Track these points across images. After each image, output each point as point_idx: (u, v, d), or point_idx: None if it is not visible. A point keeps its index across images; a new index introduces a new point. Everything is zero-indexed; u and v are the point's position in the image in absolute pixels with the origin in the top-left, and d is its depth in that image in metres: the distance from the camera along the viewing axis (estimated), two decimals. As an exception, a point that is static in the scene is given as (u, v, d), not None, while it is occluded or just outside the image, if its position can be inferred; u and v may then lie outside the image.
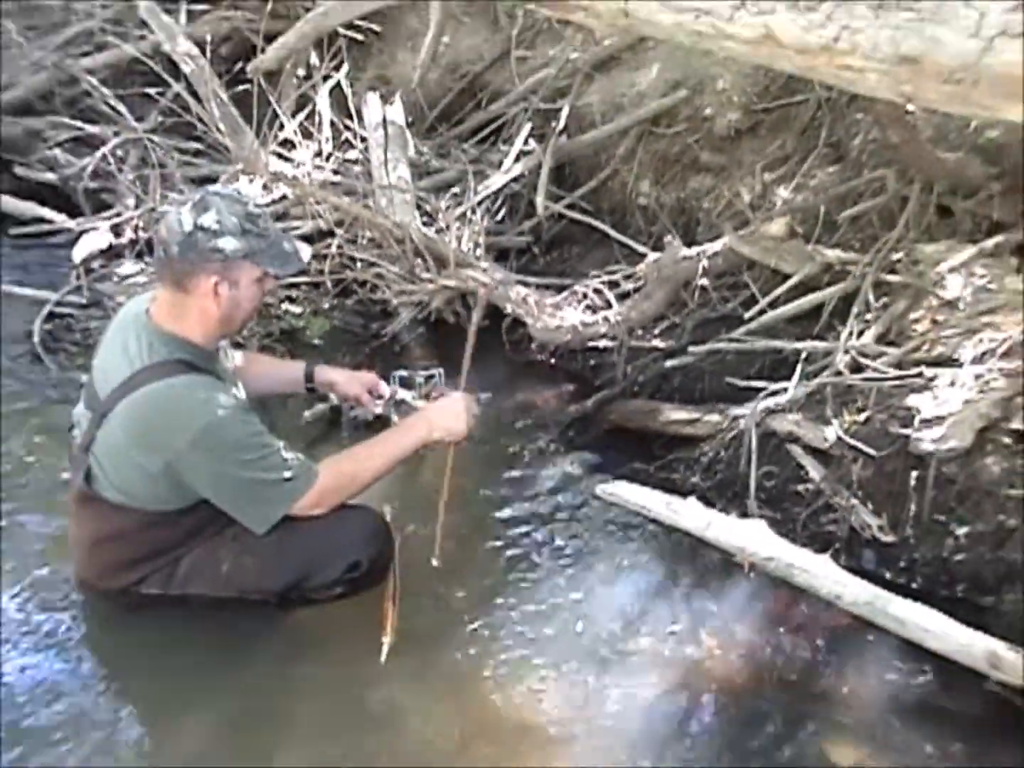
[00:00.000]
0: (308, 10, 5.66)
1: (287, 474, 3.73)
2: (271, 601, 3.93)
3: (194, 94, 6.84)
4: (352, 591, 3.92)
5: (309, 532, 3.84)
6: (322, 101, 6.87)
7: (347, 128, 6.74)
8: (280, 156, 6.54)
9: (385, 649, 3.72)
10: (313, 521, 3.83)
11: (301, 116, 6.87)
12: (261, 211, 3.83)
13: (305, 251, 3.94)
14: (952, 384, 4.14)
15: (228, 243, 3.66)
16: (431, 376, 4.74)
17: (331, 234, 5.93)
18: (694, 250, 5.18)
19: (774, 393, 4.53)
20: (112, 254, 6.36)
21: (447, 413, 3.97)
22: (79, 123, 7.51)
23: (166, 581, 3.89)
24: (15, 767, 3.33)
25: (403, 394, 4.69)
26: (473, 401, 4.05)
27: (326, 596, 3.93)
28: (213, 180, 6.66)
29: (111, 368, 3.75)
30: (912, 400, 4.18)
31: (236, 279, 3.71)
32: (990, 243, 4.64)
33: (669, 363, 5.11)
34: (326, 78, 7.00)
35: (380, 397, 4.53)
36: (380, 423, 4.80)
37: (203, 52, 6.92)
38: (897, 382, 4.28)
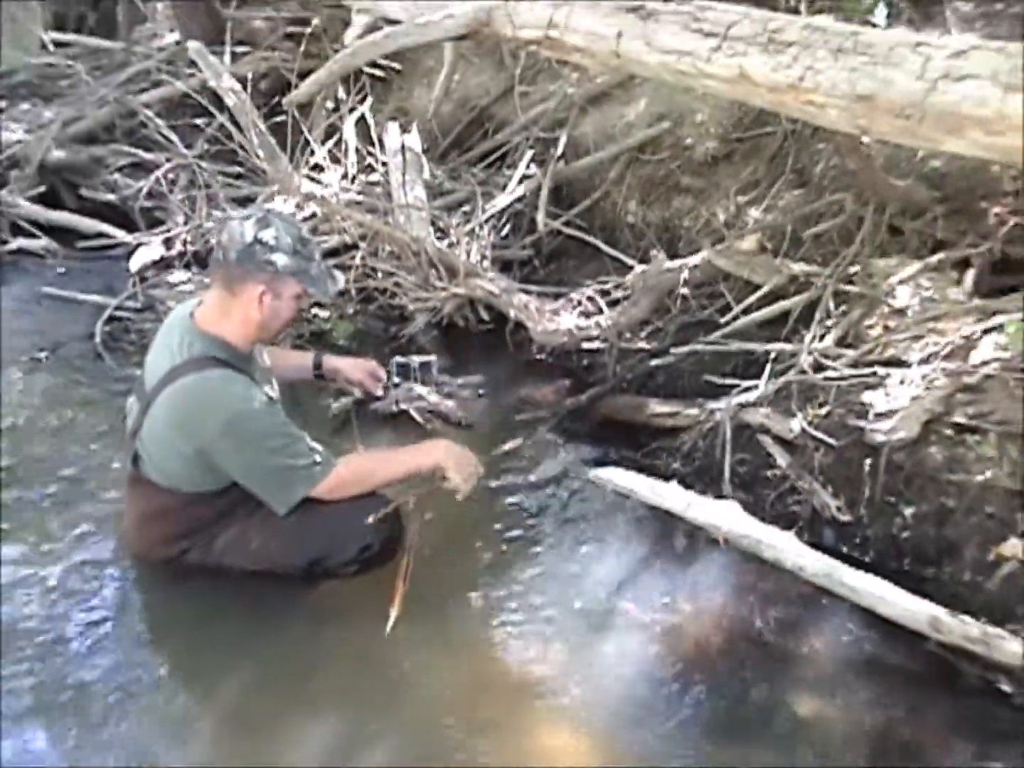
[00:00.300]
0: (337, 51, 5.65)
1: (307, 462, 3.75)
2: (296, 576, 3.93)
3: (236, 124, 6.84)
4: (365, 569, 3.93)
5: (327, 517, 3.86)
6: (348, 130, 6.87)
7: (370, 154, 6.75)
8: (311, 178, 6.54)
9: (391, 622, 3.71)
10: (331, 507, 3.86)
11: (330, 143, 6.87)
12: (311, 238, 3.90)
13: (340, 280, 4.01)
14: (901, 382, 4.14)
15: (280, 259, 3.74)
16: (426, 363, 4.81)
17: (355, 247, 5.94)
18: (676, 263, 5.18)
19: (746, 389, 4.53)
20: (164, 264, 6.38)
21: (464, 459, 3.98)
22: (136, 150, 7.53)
23: (204, 555, 3.92)
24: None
25: (419, 389, 4.74)
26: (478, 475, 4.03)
27: (343, 573, 3.93)
28: (252, 200, 6.67)
29: (156, 364, 3.83)
30: (866, 396, 4.19)
31: (280, 292, 3.79)
32: (934, 259, 4.64)
33: (654, 362, 5.10)
34: (352, 110, 6.99)
35: (379, 380, 4.61)
36: (399, 416, 4.83)
37: (244, 88, 6.92)
38: (854, 380, 4.27)
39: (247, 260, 3.73)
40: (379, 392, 4.66)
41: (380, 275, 5.83)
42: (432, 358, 4.97)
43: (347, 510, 3.88)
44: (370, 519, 3.82)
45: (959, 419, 3.98)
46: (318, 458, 3.79)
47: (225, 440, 3.68)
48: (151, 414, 3.78)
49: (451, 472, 3.93)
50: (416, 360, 4.92)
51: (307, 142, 6.73)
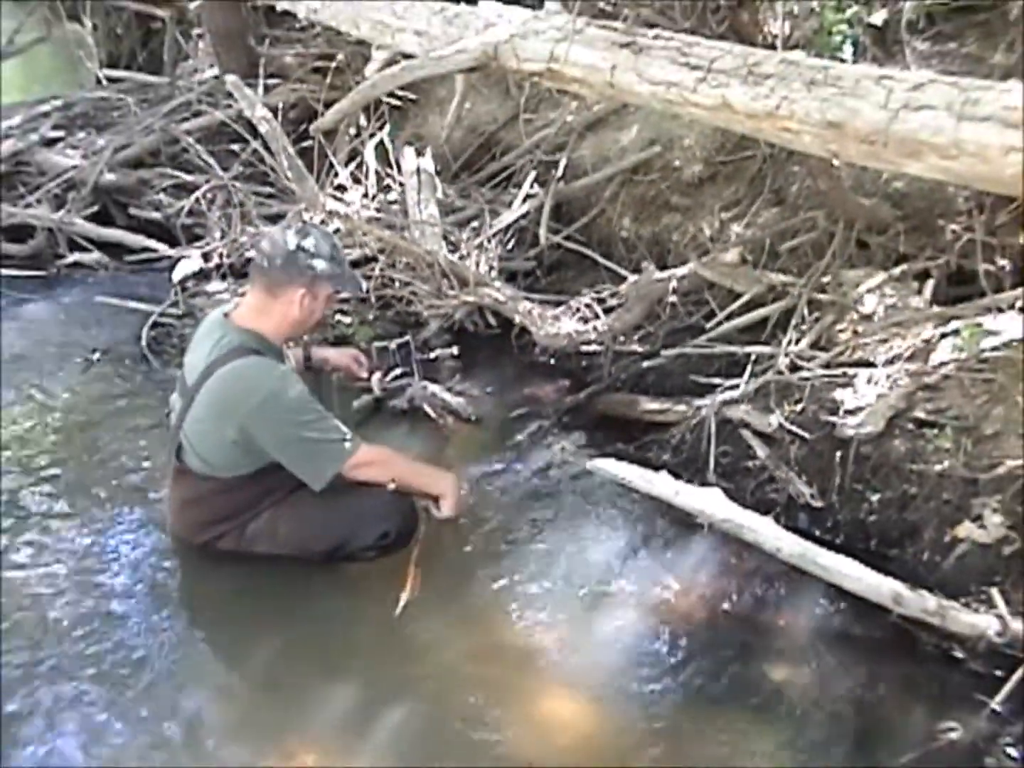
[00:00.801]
0: (359, 83, 5.67)
1: (338, 436, 3.80)
2: (319, 560, 3.97)
3: (268, 149, 6.86)
4: (383, 554, 3.96)
5: (348, 507, 3.94)
6: (368, 154, 6.87)
7: (388, 175, 6.76)
8: (335, 197, 6.55)
9: (401, 604, 3.74)
10: (352, 497, 3.93)
11: (352, 166, 6.88)
12: (341, 246, 4.06)
13: (363, 283, 4.21)
14: (868, 381, 4.16)
15: (320, 264, 3.86)
16: (404, 343, 5.07)
17: (375, 259, 5.94)
18: (665, 273, 5.19)
19: (729, 388, 4.54)
20: (203, 276, 6.40)
21: (460, 498, 4.11)
22: (178, 173, 7.52)
23: (237, 539, 3.95)
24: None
25: (432, 387, 4.77)
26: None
27: (363, 558, 3.96)
28: (282, 217, 6.68)
29: (196, 361, 3.89)
30: (837, 394, 4.20)
31: (317, 293, 3.90)
32: (897, 270, 4.64)
33: (645, 364, 5.11)
34: (372, 135, 7.00)
35: (362, 365, 4.63)
36: (414, 412, 4.91)
37: (276, 116, 6.94)
38: (826, 380, 4.28)
39: (290, 265, 3.83)
40: (363, 375, 4.66)
41: (397, 284, 5.84)
42: (407, 339, 5.19)
43: (365, 499, 3.95)
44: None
45: (920, 415, 3.99)
46: (347, 435, 3.83)
47: (263, 417, 3.74)
48: (194, 406, 3.83)
49: (446, 504, 4.03)
50: (394, 343, 5.10)
51: (331, 165, 6.75)
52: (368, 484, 3.93)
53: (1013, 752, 3.07)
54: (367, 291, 5.57)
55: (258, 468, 3.87)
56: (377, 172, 6.80)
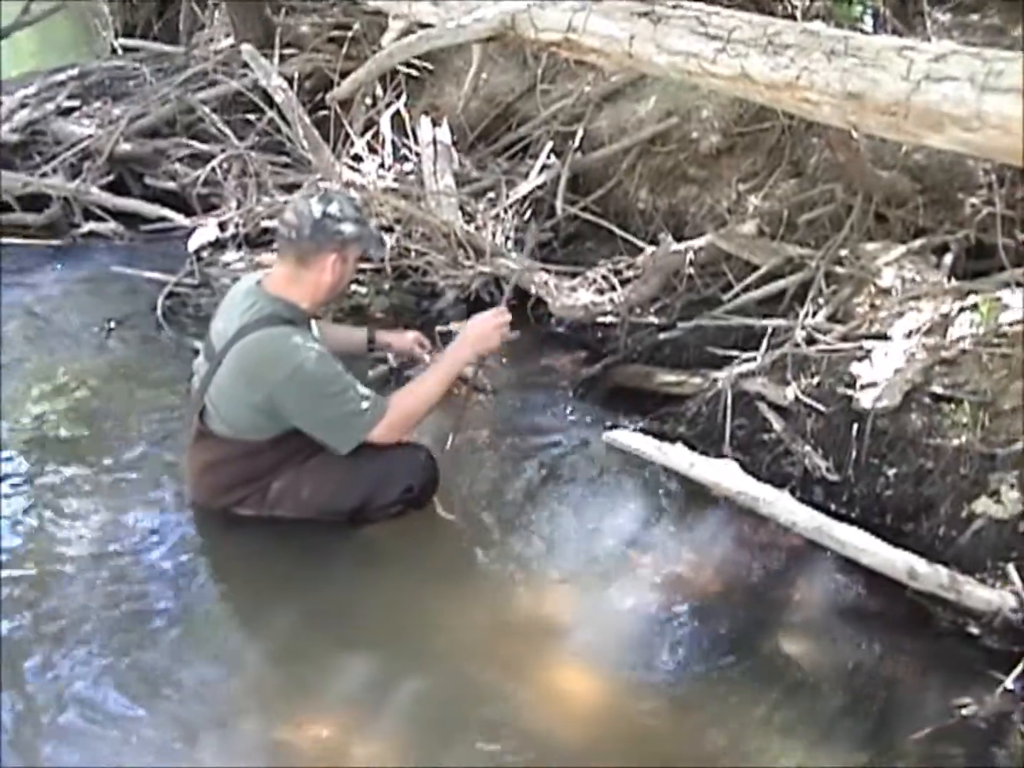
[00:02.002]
0: (375, 52, 5.62)
1: (364, 405, 3.83)
2: (341, 521, 3.98)
3: (284, 119, 6.82)
4: (406, 510, 4.00)
5: (372, 464, 3.94)
6: (385, 124, 6.84)
7: (404, 145, 6.73)
8: (351, 167, 6.52)
9: (450, 442, 4.10)
10: (375, 455, 3.92)
11: (368, 136, 6.84)
12: (362, 208, 4.12)
13: (387, 242, 4.25)
14: (885, 355, 4.13)
15: (347, 228, 3.90)
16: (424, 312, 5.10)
17: (391, 229, 5.91)
18: (682, 245, 5.16)
19: (746, 360, 4.52)
20: (219, 245, 6.38)
21: (481, 333, 4.01)
22: (194, 143, 7.51)
23: (259, 503, 3.96)
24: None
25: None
26: (503, 313, 4.07)
27: (385, 515, 3.98)
28: (298, 187, 6.67)
29: (225, 326, 3.90)
30: (854, 367, 4.17)
31: (347, 257, 3.94)
32: (916, 244, 4.63)
33: (662, 335, 5.09)
34: (388, 105, 6.96)
35: (424, 347, 4.60)
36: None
37: (291, 86, 6.89)
38: (843, 353, 4.26)
39: (319, 233, 3.84)
40: (426, 358, 4.57)
41: (413, 255, 5.81)
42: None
43: (389, 456, 3.97)
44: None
45: (937, 389, 3.97)
46: (372, 402, 3.86)
47: (291, 387, 3.75)
48: (221, 370, 3.83)
49: (482, 350, 4.05)
50: (455, 326, 4.91)
51: (347, 135, 6.71)
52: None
53: (1027, 728, 3.07)
54: (382, 261, 5.55)
55: (281, 432, 3.88)
56: (393, 142, 6.77)
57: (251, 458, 3.93)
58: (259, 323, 3.79)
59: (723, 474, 3.82)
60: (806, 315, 4.54)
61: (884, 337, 4.24)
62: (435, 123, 6.61)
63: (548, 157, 6.33)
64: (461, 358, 4.03)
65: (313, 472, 3.96)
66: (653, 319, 5.19)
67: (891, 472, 3.99)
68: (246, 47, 7.16)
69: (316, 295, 3.93)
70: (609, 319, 5.25)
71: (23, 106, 7.88)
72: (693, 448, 3.99)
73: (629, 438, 4.15)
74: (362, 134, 6.85)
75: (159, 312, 5.79)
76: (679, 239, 5.28)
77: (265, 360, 3.78)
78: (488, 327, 4.02)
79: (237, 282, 4.20)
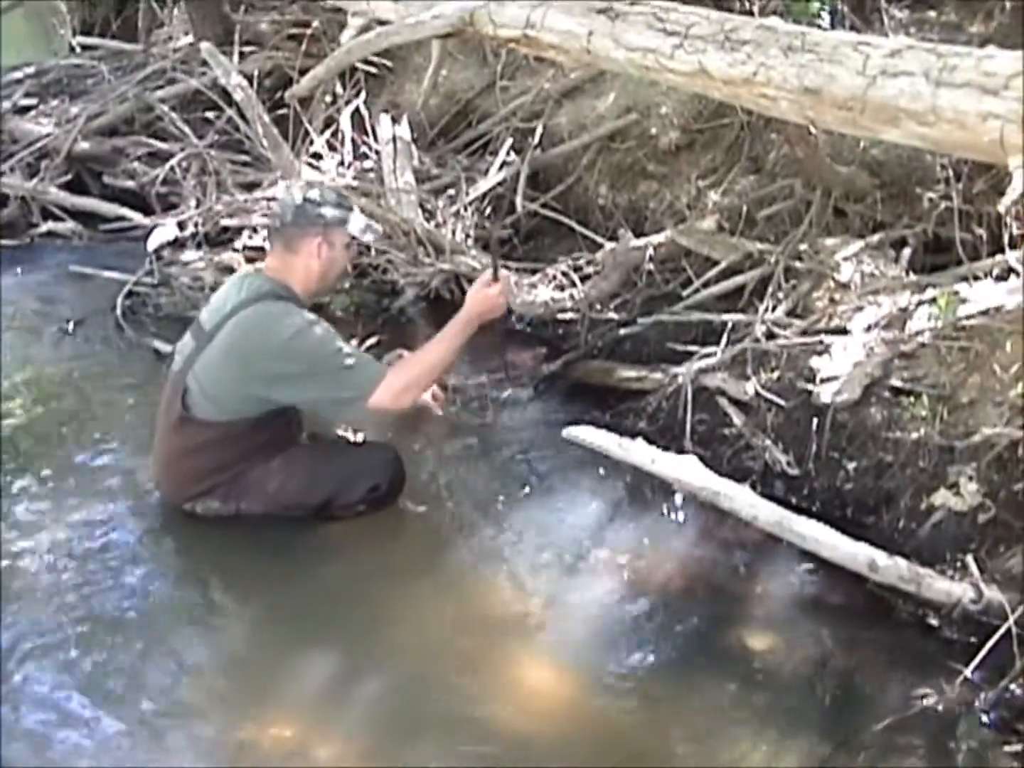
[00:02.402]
0: (334, 50, 5.62)
1: (364, 362, 3.91)
2: (305, 518, 3.97)
3: (243, 117, 6.81)
4: (372, 509, 4.01)
5: (339, 460, 4.09)
6: (344, 121, 6.83)
7: (364, 143, 6.72)
8: (311, 165, 6.51)
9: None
10: (342, 451, 4.13)
11: (328, 133, 6.83)
12: (347, 196, 4.23)
13: (377, 228, 4.29)
14: (845, 349, 4.15)
15: (328, 211, 3.98)
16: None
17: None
18: (642, 241, 5.17)
19: (706, 356, 4.52)
20: (178, 244, 6.34)
21: (484, 300, 4.03)
22: (153, 141, 7.50)
23: (225, 495, 3.95)
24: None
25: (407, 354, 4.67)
26: (505, 280, 4.17)
27: (351, 513, 3.99)
28: (258, 185, 6.65)
29: (217, 307, 3.99)
30: (814, 362, 4.19)
31: (333, 241, 4.00)
32: (874, 238, 4.66)
33: (622, 331, 5.10)
34: (348, 103, 6.95)
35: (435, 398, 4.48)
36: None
37: (251, 84, 6.89)
38: (802, 347, 4.28)
39: (300, 217, 3.94)
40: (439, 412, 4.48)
41: (373, 252, 5.79)
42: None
43: (356, 453, 4.16)
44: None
45: (896, 382, 3.99)
46: (370, 362, 3.96)
47: (289, 353, 3.80)
48: (211, 347, 3.87)
49: (488, 317, 4.06)
50: None
51: (307, 132, 6.70)
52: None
53: (986, 719, 3.08)
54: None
55: (263, 414, 3.91)
56: (353, 140, 6.76)
57: (227, 444, 3.92)
58: (253, 299, 3.87)
59: (684, 469, 3.81)
60: (766, 310, 4.55)
61: (843, 331, 4.26)
62: (395, 120, 6.60)
63: (508, 154, 6.33)
64: (467, 328, 4.00)
65: (280, 466, 3.97)
66: (613, 315, 5.19)
67: (851, 465, 4.01)
68: (205, 45, 7.15)
69: (308, 282, 3.99)
70: (569, 315, 5.25)
71: (-21, 105, 7.83)
72: (654, 443, 3.97)
73: (590, 434, 4.14)
74: (322, 132, 6.84)
75: (118, 311, 5.76)
76: (639, 235, 5.29)
77: (262, 328, 3.82)
78: (491, 294, 4.02)
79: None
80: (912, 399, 3.91)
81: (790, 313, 4.53)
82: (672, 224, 5.33)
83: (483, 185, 6.20)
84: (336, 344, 3.85)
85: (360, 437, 4.34)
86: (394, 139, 6.41)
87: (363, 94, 7.01)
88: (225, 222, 6.37)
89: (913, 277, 4.43)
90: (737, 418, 4.32)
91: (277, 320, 3.82)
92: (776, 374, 4.29)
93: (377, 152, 6.54)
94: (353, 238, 4.11)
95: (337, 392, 3.85)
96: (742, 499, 3.65)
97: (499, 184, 6.21)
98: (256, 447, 3.94)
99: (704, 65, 3.41)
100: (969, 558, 3.46)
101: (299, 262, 3.96)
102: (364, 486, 3.99)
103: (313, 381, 3.83)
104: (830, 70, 3.06)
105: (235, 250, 6.13)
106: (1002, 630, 3.15)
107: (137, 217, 6.87)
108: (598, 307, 5.21)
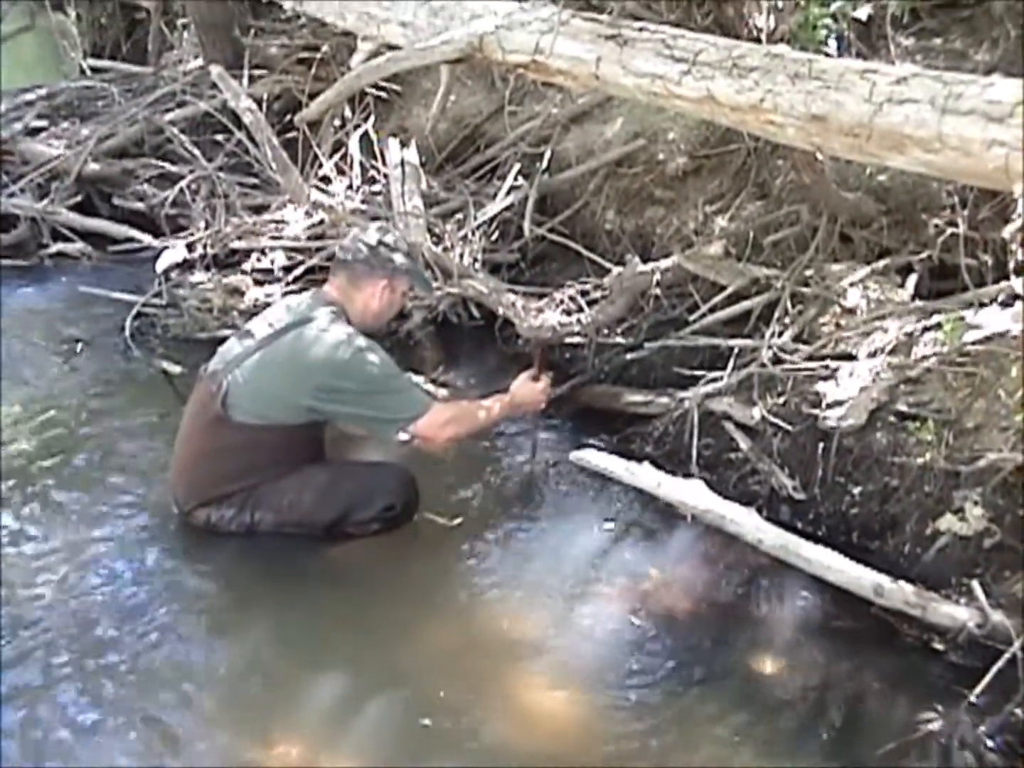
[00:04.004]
0: (344, 74, 5.65)
1: (414, 389, 4.19)
2: (315, 537, 4.02)
3: (252, 140, 6.85)
4: (385, 529, 4.06)
5: (355, 478, 4.18)
6: (353, 145, 6.87)
7: (372, 167, 6.75)
8: (319, 188, 6.54)
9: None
10: (359, 469, 4.22)
11: (336, 157, 6.87)
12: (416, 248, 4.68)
13: (433, 284, 4.73)
14: (851, 374, 4.16)
15: (399, 259, 4.20)
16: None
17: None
18: (649, 266, 5.17)
19: (712, 380, 4.54)
20: (187, 266, 6.37)
21: (529, 396, 4.35)
22: (163, 163, 7.52)
23: (243, 502, 4.01)
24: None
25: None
26: (547, 381, 4.41)
27: (363, 531, 4.05)
28: (267, 208, 6.69)
29: (274, 316, 4.15)
30: (820, 387, 4.20)
31: (395, 287, 4.24)
32: (880, 264, 4.66)
33: (629, 356, 5.11)
34: (356, 127, 6.99)
35: None
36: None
37: (260, 107, 6.93)
38: (808, 372, 4.29)
39: (373, 258, 4.15)
40: None
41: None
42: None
43: (373, 472, 4.24)
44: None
45: (902, 407, 4.00)
46: (424, 394, 4.24)
47: (351, 369, 3.94)
48: (265, 354, 3.99)
49: (528, 409, 4.42)
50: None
51: (316, 156, 6.74)
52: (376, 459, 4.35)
53: (990, 743, 3.08)
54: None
55: (297, 425, 4.01)
56: (361, 163, 6.79)
57: (256, 449, 3.99)
58: (324, 317, 4.02)
59: (690, 493, 3.83)
60: (772, 335, 4.56)
61: (849, 357, 4.27)
62: (403, 144, 6.62)
63: (516, 178, 6.35)
64: (507, 411, 4.29)
65: (298, 479, 4.04)
66: (620, 339, 5.21)
67: (857, 490, 4.02)
68: (215, 68, 7.19)
69: (364, 318, 4.17)
70: (576, 340, 5.27)
71: (-9, 126, 7.86)
72: (660, 467, 4.00)
73: (597, 458, 4.17)
74: (330, 155, 6.88)
75: (127, 333, 5.78)
76: (646, 260, 5.30)
77: (327, 345, 3.94)
78: (536, 389, 4.35)
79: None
80: (918, 424, 3.92)
81: (796, 338, 4.53)
82: (679, 249, 5.33)
83: (491, 209, 6.22)
84: (393, 369, 4.05)
85: (375, 458, 4.42)
86: (402, 163, 6.44)
87: (372, 118, 7.04)
88: (234, 244, 6.40)
89: (919, 303, 4.43)
90: (743, 443, 4.33)
91: (342, 339, 3.95)
92: (782, 399, 4.30)
93: (385, 176, 6.57)
94: (412, 289, 4.42)
95: (387, 413, 4.00)
96: (748, 523, 3.67)
97: (507, 208, 6.23)
98: (282, 457, 4.02)
99: (712, 92, 3.44)
100: (974, 583, 3.46)
101: (360, 298, 4.15)
102: (379, 504, 4.06)
103: (367, 399, 3.97)
104: (837, 97, 3.09)
105: (244, 272, 6.16)
106: (1007, 655, 3.15)
107: (146, 239, 6.89)
108: (605, 332, 5.23)
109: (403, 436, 4.07)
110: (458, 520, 4.17)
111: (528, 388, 4.33)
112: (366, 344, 3.99)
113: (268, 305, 5.65)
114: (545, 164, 6.28)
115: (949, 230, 4.53)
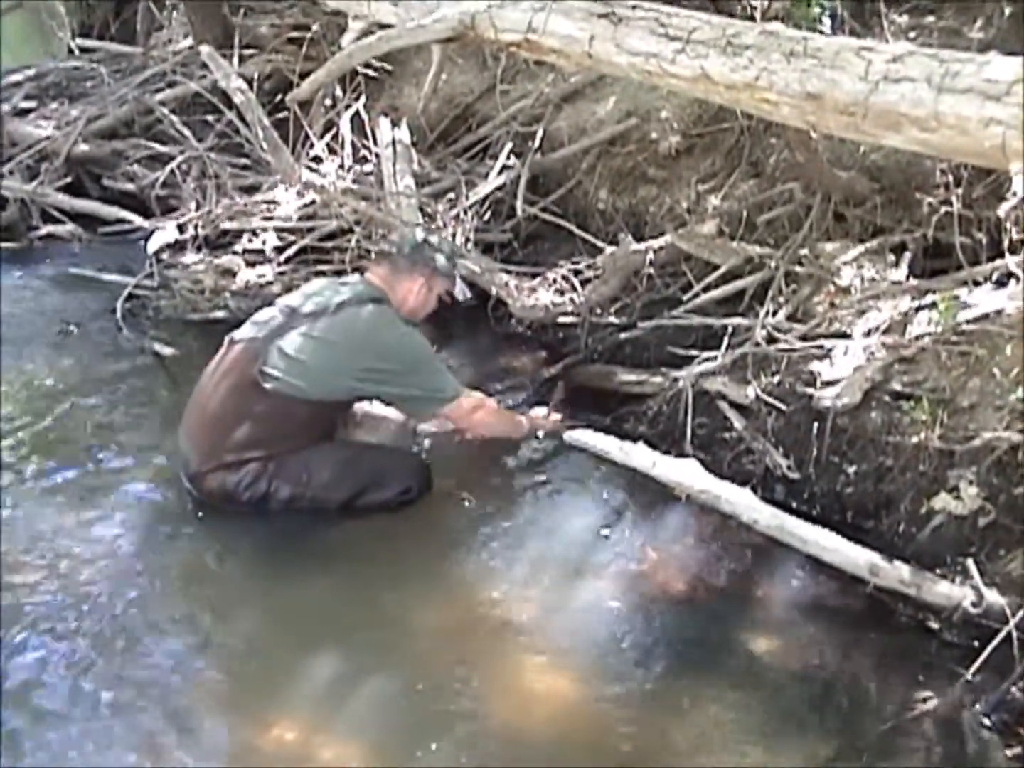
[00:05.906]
0: (334, 53, 5.62)
1: (449, 374, 4.32)
2: (327, 512, 4.05)
3: (243, 120, 6.82)
4: (398, 509, 4.15)
5: (374, 458, 4.27)
6: (344, 125, 6.83)
7: (364, 146, 6.73)
8: (311, 168, 6.52)
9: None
10: (378, 451, 4.33)
11: (327, 137, 6.84)
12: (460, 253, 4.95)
13: (468, 290, 4.92)
14: (845, 353, 4.17)
15: (440, 259, 4.37)
16: None
17: (351, 231, 5.93)
18: (642, 245, 5.18)
19: (706, 360, 4.54)
20: (178, 247, 6.35)
21: (545, 424, 4.58)
22: (153, 144, 7.50)
23: (261, 470, 4.02)
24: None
25: None
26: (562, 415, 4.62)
27: (378, 510, 4.13)
28: (258, 188, 6.66)
29: (319, 292, 4.27)
30: (814, 366, 4.21)
31: (433, 287, 4.38)
32: (874, 243, 4.66)
33: (622, 335, 5.12)
34: (348, 107, 6.96)
35: None
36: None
37: (251, 87, 6.91)
38: (803, 352, 4.29)
39: (416, 254, 4.33)
40: None
41: (374, 256, 5.80)
42: None
43: (392, 455, 4.37)
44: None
45: (896, 387, 4.01)
46: (458, 382, 4.31)
47: (399, 351, 4.12)
48: (312, 328, 4.07)
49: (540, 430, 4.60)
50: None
51: (307, 136, 6.72)
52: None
53: (986, 721, 3.09)
54: (342, 263, 5.57)
55: (329, 402, 4.11)
56: (353, 143, 6.76)
57: (282, 420, 4.02)
58: (367, 300, 4.16)
59: (685, 473, 3.83)
60: (766, 314, 4.57)
61: (844, 336, 4.28)
62: (395, 124, 6.60)
63: (508, 158, 6.34)
64: (527, 428, 4.52)
65: (316, 454, 4.09)
66: (613, 319, 5.21)
67: (851, 469, 4.02)
68: (205, 48, 7.16)
69: (400, 311, 4.26)
70: (570, 319, 5.27)
71: (-23, 107, 7.83)
72: (654, 447, 4.00)
73: (591, 438, 4.16)
74: (321, 135, 6.85)
75: (118, 314, 5.77)
76: (639, 239, 5.30)
77: (377, 328, 4.12)
78: (551, 419, 4.58)
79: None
80: (912, 403, 3.92)
81: (790, 317, 4.54)
82: (672, 228, 5.34)
83: (483, 189, 6.21)
84: (432, 352, 4.31)
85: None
86: (394, 143, 6.42)
87: (363, 98, 7.01)
88: (225, 225, 6.37)
89: (913, 282, 4.44)
90: (738, 422, 4.33)
91: (390, 323, 4.15)
92: (776, 378, 4.30)
93: (377, 156, 6.55)
94: (449, 293, 4.54)
95: (426, 392, 4.18)
96: (743, 503, 3.67)
97: (499, 188, 6.22)
98: (306, 431, 4.07)
99: (706, 70, 3.42)
100: (969, 562, 3.47)
101: (399, 290, 4.28)
102: (397, 487, 4.17)
103: (409, 378, 4.12)
104: (832, 75, 3.08)
105: (235, 253, 6.13)
106: (1002, 633, 3.17)
107: (137, 220, 6.89)
108: (598, 311, 5.24)
109: (430, 426, 4.47)
110: (468, 500, 4.22)
111: (544, 422, 4.58)
112: (409, 328, 4.18)
113: (260, 286, 5.64)
114: (537, 143, 6.28)
115: (943, 208, 4.54)
